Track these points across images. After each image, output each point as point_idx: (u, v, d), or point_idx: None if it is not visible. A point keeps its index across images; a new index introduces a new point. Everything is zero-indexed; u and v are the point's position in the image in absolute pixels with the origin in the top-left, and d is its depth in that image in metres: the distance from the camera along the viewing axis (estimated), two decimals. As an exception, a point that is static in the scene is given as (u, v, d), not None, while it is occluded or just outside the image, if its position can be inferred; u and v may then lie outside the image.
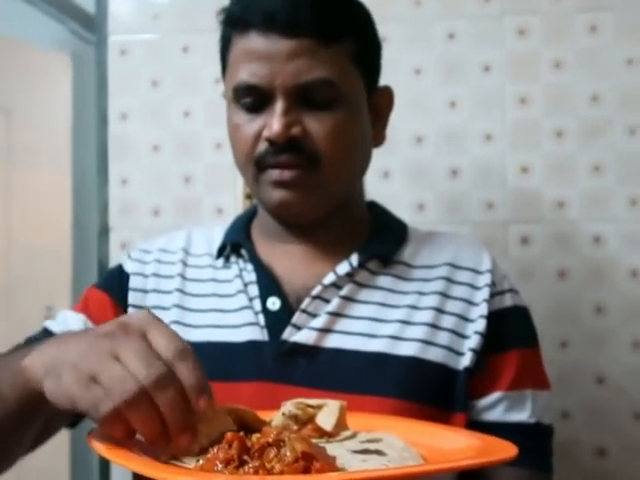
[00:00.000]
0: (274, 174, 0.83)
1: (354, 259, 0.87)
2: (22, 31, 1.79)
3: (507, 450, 0.60)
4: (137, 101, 1.38)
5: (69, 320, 0.91)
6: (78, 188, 1.82)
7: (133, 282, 0.93)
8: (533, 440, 0.85)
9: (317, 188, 0.85)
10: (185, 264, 0.94)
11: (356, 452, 0.60)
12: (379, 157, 1.30)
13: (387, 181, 1.31)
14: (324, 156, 0.83)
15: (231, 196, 1.34)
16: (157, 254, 0.96)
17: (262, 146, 0.84)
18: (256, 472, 0.52)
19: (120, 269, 0.96)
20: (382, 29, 1.35)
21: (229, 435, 0.55)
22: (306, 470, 0.52)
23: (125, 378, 0.53)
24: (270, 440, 0.54)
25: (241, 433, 0.55)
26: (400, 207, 1.29)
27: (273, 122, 0.81)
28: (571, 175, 1.26)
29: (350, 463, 0.58)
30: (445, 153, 1.29)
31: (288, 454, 0.52)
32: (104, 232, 1.37)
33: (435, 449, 0.63)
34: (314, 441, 0.62)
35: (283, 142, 0.81)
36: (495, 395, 0.84)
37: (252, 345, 0.84)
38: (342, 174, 0.87)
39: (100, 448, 0.56)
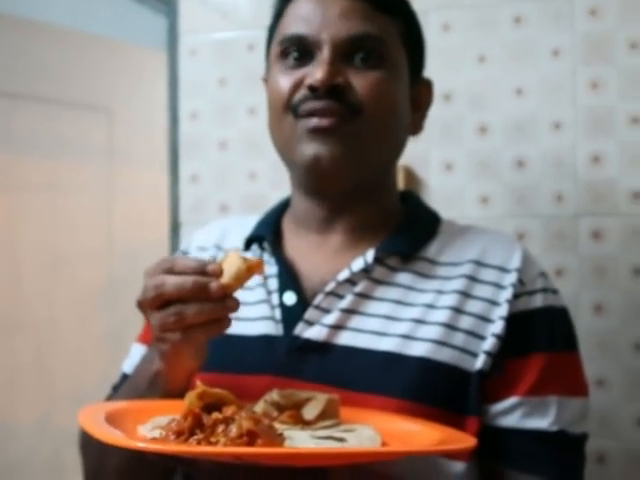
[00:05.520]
0: (312, 122, 0.87)
1: (369, 255, 0.90)
2: (134, 30, 1.99)
3: (464, 441, 0.68)
4: (205, 100, 1.52)
5: (134, 357, 1.01)
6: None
7: None
8: (554, 449, 0.85)
9: (356, 140, 0.88)
10: (215, 260, 1.04)
11: (318, 438, 0.69)
12: (441, 149, 1.36)
13: (450, 174, 1.35)
14: (366, 107, 0.88)
15: (295, 192, 1.45)
16: (195, 253, 1.04)
17: (302, 92, 0.89)
18: (198, 443, 0.63)
19: None
20: (444, 16, 1.42)
21: (186, 411, 0.66)
22: (249, 446, 0.62)
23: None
24: (220, 417, 0.65)
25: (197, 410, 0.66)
26: (464, 201, 1.35)
27: (317, 69, 0.87)
28: (650, 164, 1.26)
29: (303, 445, 0.67)
30: (512, 143, 1.32)
31: (234, 430, 0.63)
32: (175, 228, 1.53)
33: (404, 440, 0.72)
34: (286, 427, 0.72)
35: (325, 89, 0.86)
36: (511, 400, 0.86)
37: (265, 339, 0.90)
38: (382, 132, 0.90)
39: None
